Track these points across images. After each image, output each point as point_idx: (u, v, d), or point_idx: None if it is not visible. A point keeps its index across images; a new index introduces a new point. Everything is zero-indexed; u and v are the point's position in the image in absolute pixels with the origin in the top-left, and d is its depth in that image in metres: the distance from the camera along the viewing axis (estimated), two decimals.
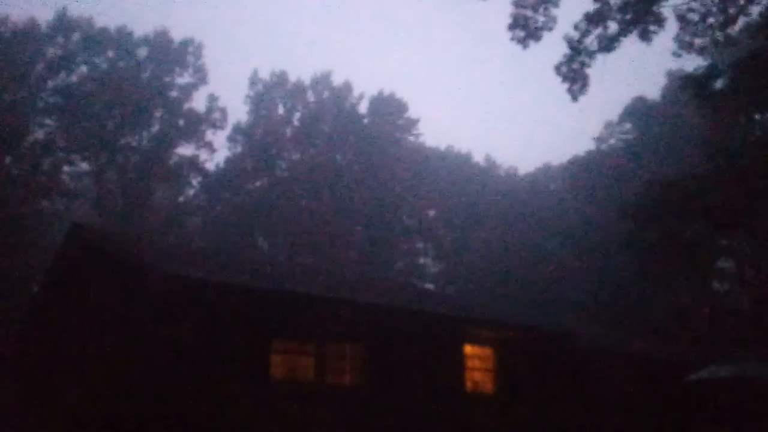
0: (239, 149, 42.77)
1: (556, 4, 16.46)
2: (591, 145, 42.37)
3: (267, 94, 43.69)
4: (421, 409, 12.14)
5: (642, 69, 57.86)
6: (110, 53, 37.07)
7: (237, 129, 42.80)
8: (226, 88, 73.63)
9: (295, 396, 10.90)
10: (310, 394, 11.19)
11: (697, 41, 17.33)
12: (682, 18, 16.94)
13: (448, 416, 12.53)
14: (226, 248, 31.53)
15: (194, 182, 41.19)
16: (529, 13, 16.56)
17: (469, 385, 13.72)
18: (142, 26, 68.25)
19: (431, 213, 47.12)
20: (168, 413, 9.49)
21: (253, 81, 43.69)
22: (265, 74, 44.01)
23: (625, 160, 36.86)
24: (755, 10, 16.64)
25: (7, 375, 14.89)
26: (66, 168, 36.21)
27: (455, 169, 45.57)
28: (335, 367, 11.84)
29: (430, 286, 43.86)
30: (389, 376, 12.09)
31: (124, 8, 77.58)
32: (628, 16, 16.26)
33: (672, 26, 17.24)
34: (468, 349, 13.84)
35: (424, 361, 12.61)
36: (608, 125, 41.21)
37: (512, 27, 16.75)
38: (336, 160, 42.85)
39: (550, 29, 16.67)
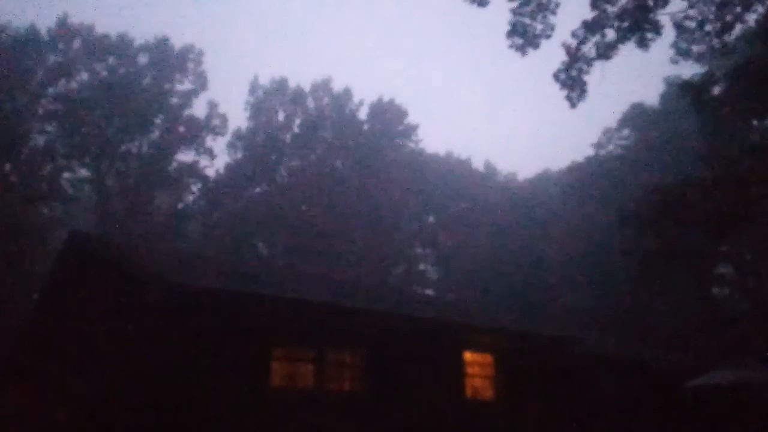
0: (239, 155, 42.87)
1: (554, 12, 16.52)
2: (590, 152, 42.48)
3: (267, 100, 43.82)
4: (421, 416, 12.15)
5: (640, 76, 57.90)
6: (111, 60, 37.21)
7: (237, 135, 42.96)
8: (226, 95, 73.76)
9: (294, 403, 10.91)
10: (310, 401, 11.19)
11: (695, 48, 17.45)
12: (679, 26, 17.04)
13: (448, 423, 12.54)
14: (226, 254, 31.54)
15: (194, 188, 41.29)
16: (527, 20, 16.62)
17: (469, 391, 13.73)
18: (142, 33, 68.54)
19: (431, 219, 47.19)
20: (167, 422, 9.50)
21: (254, 87, 43.85)
22: (265, 81, 44.29)
23: (624, 166, 36.94)
24: (752, 18, 16.77)
25: (7, 382, 14.88)
26: (66, 174, 36.32)
27: (455, 175, 45.65)
28: (335, 374, 11.84)
29: (429, 292, 43.87)
30: (389, 383, 12.09)
31: (124, 15, 77.86)
32: (626, 24, 16.33)
33: (669, 34, 17.37)
34: (468, 355, 13.85)
35: (424, 367, 12.61)
36: (607, 131, 41.35)
37: (511, 34, 16.80)
38: (336, 166, 42.94)
39: (548, 37, 16.71)
